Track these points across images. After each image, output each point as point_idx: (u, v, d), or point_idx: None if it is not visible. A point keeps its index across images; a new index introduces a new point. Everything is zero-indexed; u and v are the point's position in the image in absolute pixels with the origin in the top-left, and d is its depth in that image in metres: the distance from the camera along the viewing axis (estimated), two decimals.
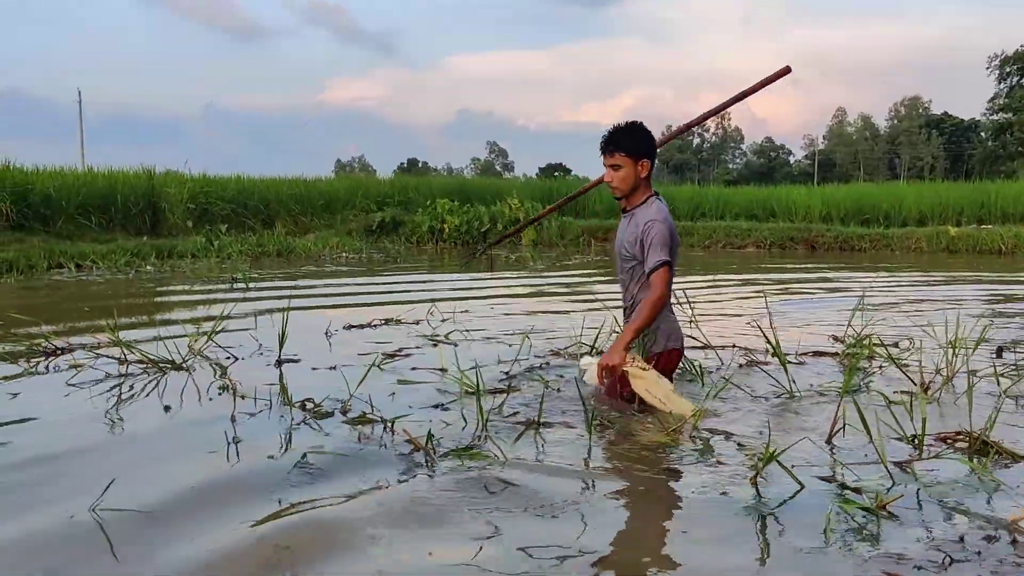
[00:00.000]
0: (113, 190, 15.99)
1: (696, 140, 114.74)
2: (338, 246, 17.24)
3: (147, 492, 3.10)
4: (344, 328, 6.89)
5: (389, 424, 3.87)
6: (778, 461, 3.08)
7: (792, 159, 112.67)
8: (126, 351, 5.43)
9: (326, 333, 6.58)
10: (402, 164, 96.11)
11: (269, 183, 21.15)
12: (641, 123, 4.39)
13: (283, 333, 5.68)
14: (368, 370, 4.65)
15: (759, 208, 22.73)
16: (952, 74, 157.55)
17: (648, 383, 4.09)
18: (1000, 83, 70.86)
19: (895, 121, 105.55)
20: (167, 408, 4.39)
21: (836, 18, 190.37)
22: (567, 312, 8.03)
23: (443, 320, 7.36)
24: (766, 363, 5.44)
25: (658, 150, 4.61)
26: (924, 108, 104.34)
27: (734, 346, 6.03)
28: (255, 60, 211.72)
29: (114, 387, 4.86)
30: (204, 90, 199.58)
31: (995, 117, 73.31)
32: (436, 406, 4.36)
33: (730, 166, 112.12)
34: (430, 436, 3.57)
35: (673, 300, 4.62)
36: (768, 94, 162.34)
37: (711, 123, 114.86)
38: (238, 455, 3.60)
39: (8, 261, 11.66)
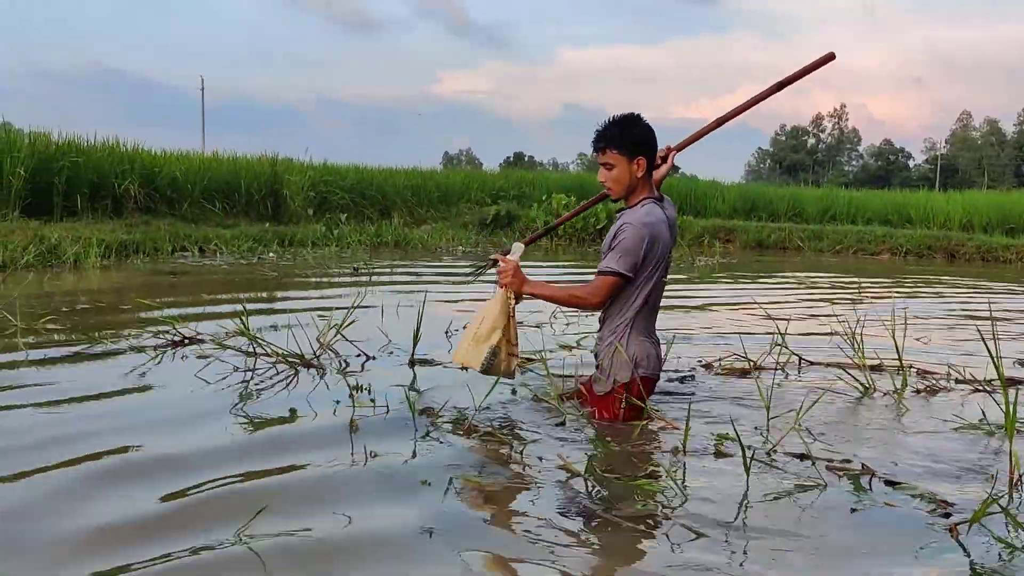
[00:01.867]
0: (237, 176, 16.11)
1: (811, 141, 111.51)
2: (453, 239, 17.01)
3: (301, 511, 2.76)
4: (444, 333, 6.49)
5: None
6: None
7: (912, 163, 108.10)
8: (255, 344, 5.18)
9: (446, 333, 6.18)
10: (508, 158, 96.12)
11: (386, 173, 21.10)
12: (638, 115, 3.93)
13: (417, 332, 5.35)
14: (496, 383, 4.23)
15: (894, 213, 21.55)
16: None
17: (488, 314, 4.01)
18: None
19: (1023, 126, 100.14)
20: (292, 412, 4.07)
21: (963, 16, 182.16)
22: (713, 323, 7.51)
23: (567, 324, 6.92)
24: (948, 389, 4.87)
25: (686, 147, 4.21)
26: None
27: (910, 367, 5.35)
28: (368, 52, 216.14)
29: (242, 383, 4.61)
30: (318, 81, 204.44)
31: None
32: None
33: (846, 168, 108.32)
34: (591, 464, 3.13)
35: (661, 322, 4.15)
36: (888, 95, 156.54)
37: (828, 123, 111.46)
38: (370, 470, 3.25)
39: (135, 243, 11.76)
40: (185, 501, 2.89)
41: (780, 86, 4.29)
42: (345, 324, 5.57)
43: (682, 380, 5.03)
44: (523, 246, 4.26)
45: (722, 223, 20.00)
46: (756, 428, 3.84)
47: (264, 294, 8.72)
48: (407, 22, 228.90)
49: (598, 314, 4.13)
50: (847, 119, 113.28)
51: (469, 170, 27.62)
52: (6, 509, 2.79)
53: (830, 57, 4.25)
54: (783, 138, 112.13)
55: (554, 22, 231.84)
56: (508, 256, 4.12)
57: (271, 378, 4.79)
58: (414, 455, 3.42)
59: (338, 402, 4.20)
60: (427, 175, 22.15)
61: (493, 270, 4.26)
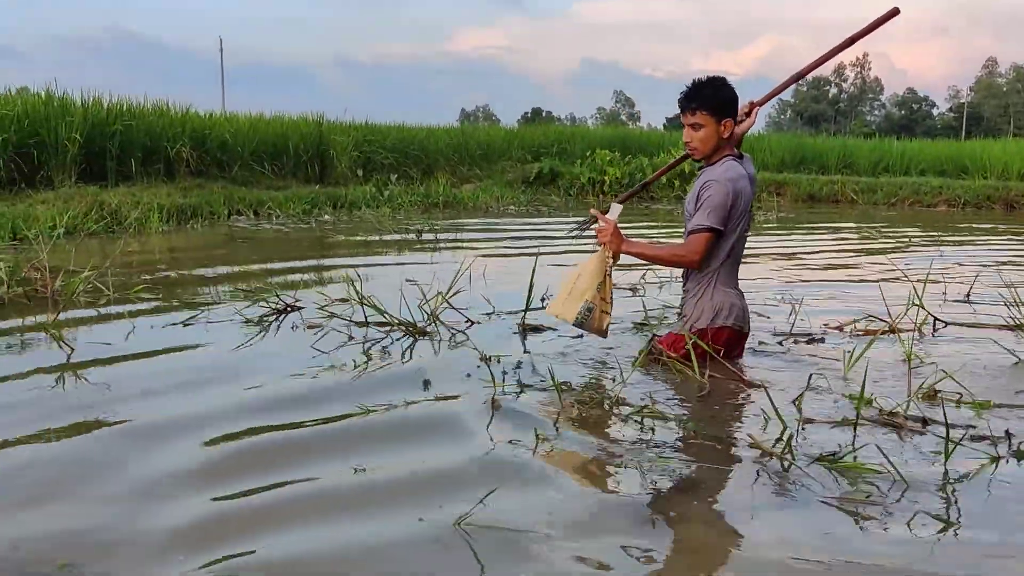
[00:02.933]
0: (285, 137, 15.87)
1: (833, 90, 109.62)
2: (501, 198, 16.74)
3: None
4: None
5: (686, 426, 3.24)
6: None
7: (936, 111, 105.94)
8: (368, 311, 4.98)
9: (542, 299, 5.74)
10: (526, 114, 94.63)
11: (427, 132, 20.78)
12: (724, 79, 3.96)
13: (530, 294, 5.13)
14: (642, 354, 3.99)
15: (949, 164, 21.03)
16: None
17: (585, 271, 4.11)
18: None
19: None
20: (426, 384, 3.86)
21: None
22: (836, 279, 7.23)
23: (659, 288, 6.62)
24: None
25: (762, 105, 4.17)
26: None
27: None
28: (382, 10, 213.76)
29: (364, 356, 4.40)
30: (333, 40, 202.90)
31: None
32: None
33: (868, 118, 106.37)
34: (789, 443, 2.89)
35: (739, 272, 4.15)
36: (911, 43, 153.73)
37: (850, 73, 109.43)
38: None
39: (192, 207, 11.58)
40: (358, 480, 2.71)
41: (852, 41, 4.24)
42: (451, 292, 5.37)
43: (809, 342, 4.82)
44: (620, 206, 4.22)
45: (772, 176, 19.58)
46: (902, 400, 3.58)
47: (337, 258, 8.52)
48: None
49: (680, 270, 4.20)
50: (870, 68, 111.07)
51: (508, 127, 27.15)
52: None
53: (895, 12, 4.20)
54: (804, 89, 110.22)
55: None
56: (607, 216, 4.12)
57: (389, 348, 4.59)
58: (572, 436, 3.20)
59: (468, 375, 3.96)
60: (468, 132, 21.83)
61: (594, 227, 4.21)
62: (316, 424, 3.31)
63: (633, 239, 4.15)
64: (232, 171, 14.43)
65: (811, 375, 3.73)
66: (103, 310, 5.42)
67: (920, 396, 3.52)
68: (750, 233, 4.17)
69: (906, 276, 5.97)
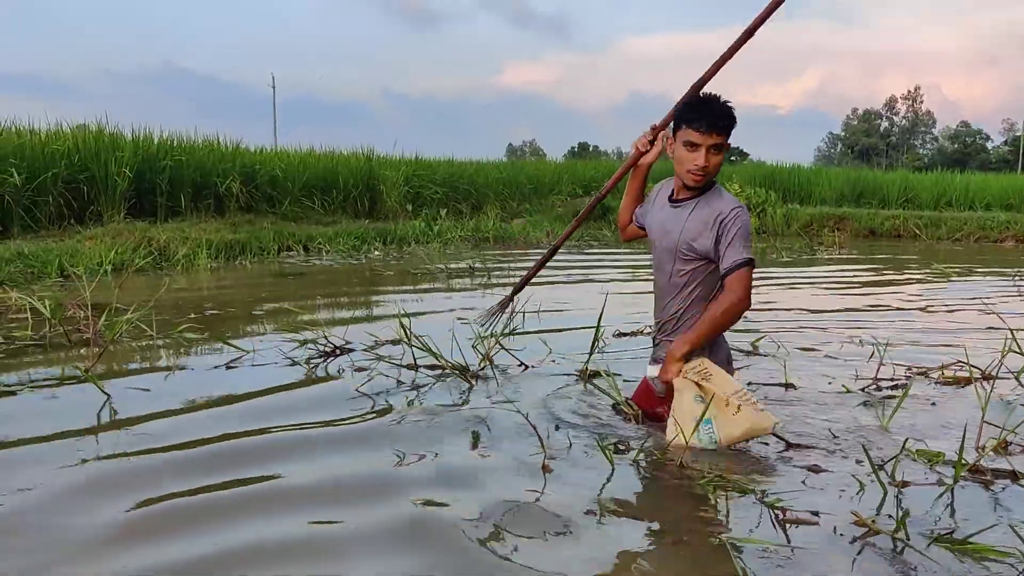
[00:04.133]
0: (335, 172, 15.79)
1: (884, 124, 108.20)
2: (551, 233, 16.46)
3: None
4: (614, 336, 5.91)
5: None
6: None
7: (990, 144, 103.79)
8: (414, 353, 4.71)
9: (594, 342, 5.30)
10: (573, 148, 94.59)
11: (476, 166, 20.68)
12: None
13: (596, 339, 4.83)
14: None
15: (1015, 197, 20.31)
16: None
17: (716, 387, 3.25)
18: None
19: None
20: (476, 437, 3.56)
21: None
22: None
23: None
24: None
25: (665, 128, 3.71)
26: None
27: None
28: (431, 45, 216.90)
29: (409, 405, 4.11)
30: (382, 74, 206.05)
31: None
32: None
33: (920, 151, 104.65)
34: (903, 521, 2.52)
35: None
36: (962, 74, 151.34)
37: (901, 106, 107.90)
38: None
39: (241, 243, 11.48)
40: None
41: (747, 35, 3.73)
42: (505, 334, 5.08)
43: (893, 389, 4.44)
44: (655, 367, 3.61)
45: (831, 211, 19.08)
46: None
47: (386, 296, 8.27)
48: (469, 14, 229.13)
49: (674, 300, 3.62)
50: (921, 101, 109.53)
51: (557, 161, 27.01)
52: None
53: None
54: (855, 122, 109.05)
55: (616, 10, 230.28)
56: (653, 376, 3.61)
57: (438, 394, 4.29)
58: (630, 510, 2.87)
59: (519, 432, 3.63)
60: (518, 167, 21.68)
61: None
62: (352, 477, 3.02)
63: (679, 341, 3.44)
64: (282, 206, 14.34)
65: (906, 439, 3.34)
66: (145, 352, 5.22)
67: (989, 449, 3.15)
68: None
69: (1002, 319, 5.53)
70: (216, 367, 4.83)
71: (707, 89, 3.59)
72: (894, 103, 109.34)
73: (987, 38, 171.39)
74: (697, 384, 3.30)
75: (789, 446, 3.43)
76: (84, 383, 4.34)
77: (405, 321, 5.01)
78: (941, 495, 2.91)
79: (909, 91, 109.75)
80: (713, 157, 3.43)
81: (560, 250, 4.74)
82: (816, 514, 2.70)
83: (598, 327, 4.91)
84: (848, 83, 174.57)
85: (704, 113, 3.41)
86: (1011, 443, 3.39)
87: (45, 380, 4.52)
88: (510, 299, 4.72)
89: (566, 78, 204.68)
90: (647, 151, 3.76)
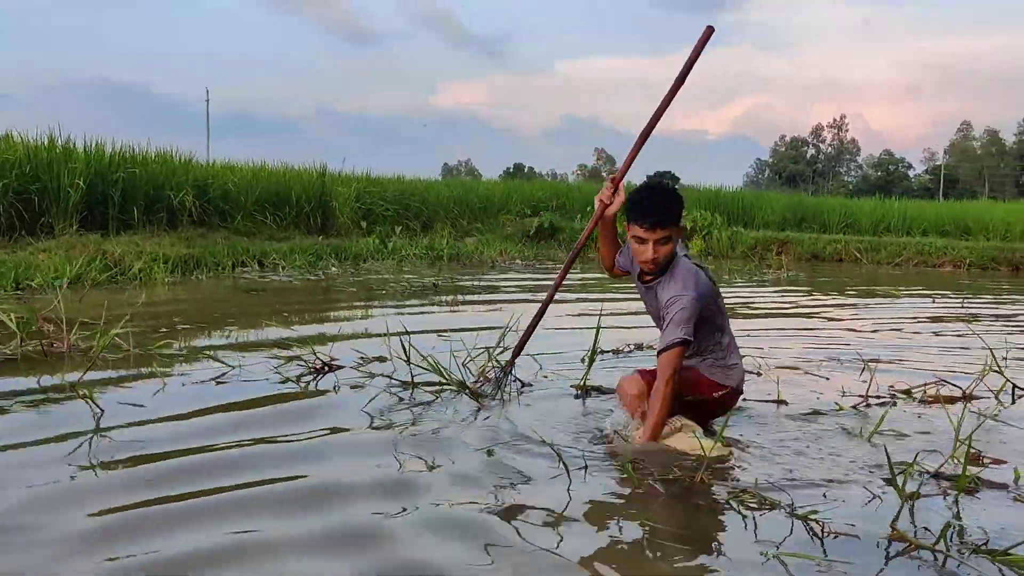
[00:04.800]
0: (287, 187, 15.60)
1: (811, 151, 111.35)
2: (504, 251, 16.52)
3: None
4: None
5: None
6: None
7: (912, 173, 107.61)
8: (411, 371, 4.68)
9: (581, 360, 5.39)
10: (508, 169, 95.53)
11: (426, 185, 20.68)
12: (666, 183, 3.90)
13: (593, 353, 4.87)
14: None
15: (951, 224, 21.02)
16: None
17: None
18: None
19: None
20: (489, 454, 3.55)
21: (960, 27, 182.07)
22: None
23: None
24: None
25: (623, 177, 3.98)
26: None
27: None
28: (367, 64, 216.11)
29: (417, 420, 4.08)
30: (318, 92, 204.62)
31: None
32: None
33: (845, 178, 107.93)
34: (944, 533, 2.59)
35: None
36: (886, 105, 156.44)
37: (827, 134, 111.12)
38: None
39: (196, 257, 11.26)
40: None
41: (682, 78, 4.01)
42: (498, 351, 5.08)
43: (881, 407, 4.54)
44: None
45: (774, 235, 19.48)
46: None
47: (360, 313, 8.20)
48: (406, 33, 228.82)
49: None
50: (847, 129, 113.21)
51: (511, 181, 27.16)
52: None
53: (709, 31, 3.98)
54: (783, 149, 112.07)
55: (551, 33, 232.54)
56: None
57: (444, 411, 4.26)
58: (661, 530, 2.89)
59: (533, 447, 3.62)
60: (469, 186, 21.73)
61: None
62: (393, 503, 2.98)
63: (638, 441, 3.61)
64: (235, 221, 14.12)
65: (917, 453, 3.43)
66: (127, 367, 5.07)
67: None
68: None
69: (983, 341, 5.70)
70: (203, 382, 4.73)
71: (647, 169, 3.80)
72: (820, 131, 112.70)
73: (910, 70, 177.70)
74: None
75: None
76: (71, 399, 4.22)
77: (396, 339, 4.99)
78: (953, 505, 3.00)
79: (835, 119, 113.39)
80: (661, 248, 3.61)
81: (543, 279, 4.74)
82: (852, 526, 2.75)
83: (595, 343, 4.95)
84: (777, 111, 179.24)
85: (647, 212, 3.59)
86: (982, 455, 3.54)
87: (31, 393, 4.37)
88: (511, 363, 4.72)
89: (501, 99, 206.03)
90: (611, 203, 3.91)
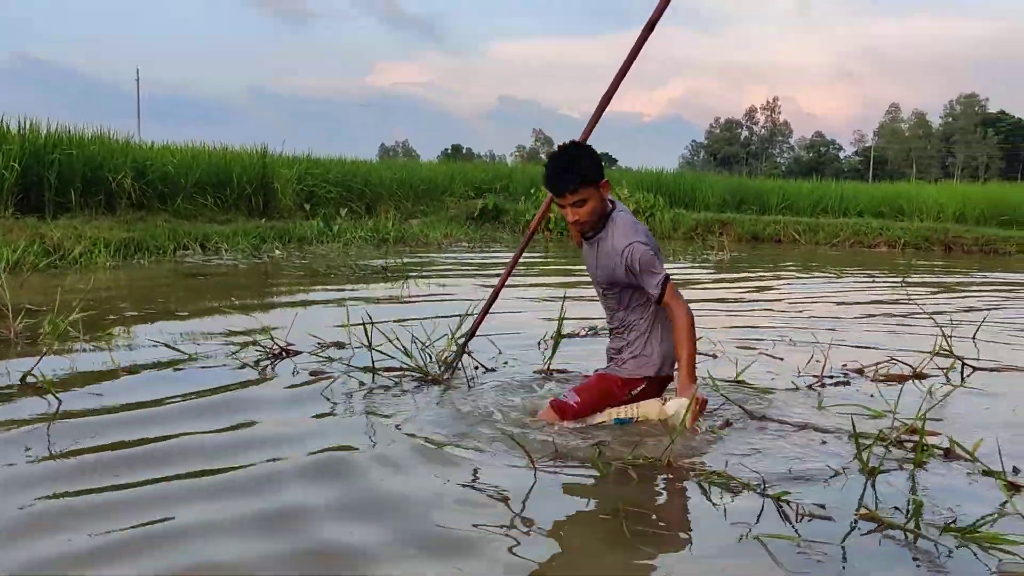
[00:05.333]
0: (228, 169, 15.25)
1: (745, 133, 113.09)
2: (450, 234, 16.46)
3: None
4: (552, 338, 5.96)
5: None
6: None
7: (843, 155, 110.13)
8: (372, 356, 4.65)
9: (539, 344, 5.56)
10: (446, 150, 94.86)
11: (371, 167, 20.47)
12: (576, 141, 3.78)
13: (557, 340, 4.89)
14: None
15: (886, 205, 21.51)
16: (1011, 72, 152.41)
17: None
18: None
19: (950, 119, 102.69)
20: (438, 444, 3.55)
21: (892, 12, 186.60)
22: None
23: None
24: None
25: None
26: (980, 106, 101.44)
27: None
28: (301, 44, 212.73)
29: (375, 406, 4.07)
30: (252, 72, 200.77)
31: None
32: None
33: (778, 160, 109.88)
34: (917, 513, 2.67)
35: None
36: (818, 89, 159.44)
37: (760, 116, 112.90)
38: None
39: (136, 241, 11.01)
40: None
41: (641, 41, 4.16)
42: (456, 337, 5.08)
43: (836, 386, 4.67)
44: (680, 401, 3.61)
45: (715, 216, 19.72)
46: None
47: (311, 296, 8.10)
48: (342, 13, 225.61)
49: (614, 319, 3.90)
50: (779, 112, 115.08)
51: (454, 163, 27.07)
52: None
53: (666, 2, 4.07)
54: (717, 131, 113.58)
55: (488, 15, 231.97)
56: (680, 407, 3.56)
57: (413, 400, 4.25)
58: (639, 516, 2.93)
59: (497, 434, 3.62)
60: (412, 168, 21.56)
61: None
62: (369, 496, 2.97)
63: (683, 380, 3.59)
64: (175, 204, 13.79)
65: (881, 429, 3.53)
66: (79, 354, 4.96)
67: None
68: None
69: (933, 320, 5.86)
70: (160, 371, 4.64)
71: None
72: (754, 113, 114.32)
73: (841, 53, 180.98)
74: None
75: (753, 417, 3.71)
76: (23, 387, 4.12)
77: (353, 321, 4.96)
78: (911, 480, 3.10)
79: (768, 102, 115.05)
80: (580, 209, 3.61)
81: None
82: (823, 507, 2.82)
83: (560, 327, 4.97)
84: (711, 93, 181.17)
85: (550, 181, 3.64)
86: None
87: None
88: (463, 348, 4.73)
89: (438, 80, 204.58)
90: None
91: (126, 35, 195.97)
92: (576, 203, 3.59)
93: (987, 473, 3.15)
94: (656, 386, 3.83)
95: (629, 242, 3.60)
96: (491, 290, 4.68)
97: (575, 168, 3.58)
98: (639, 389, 3.79)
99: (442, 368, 4.70)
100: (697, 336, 3.65)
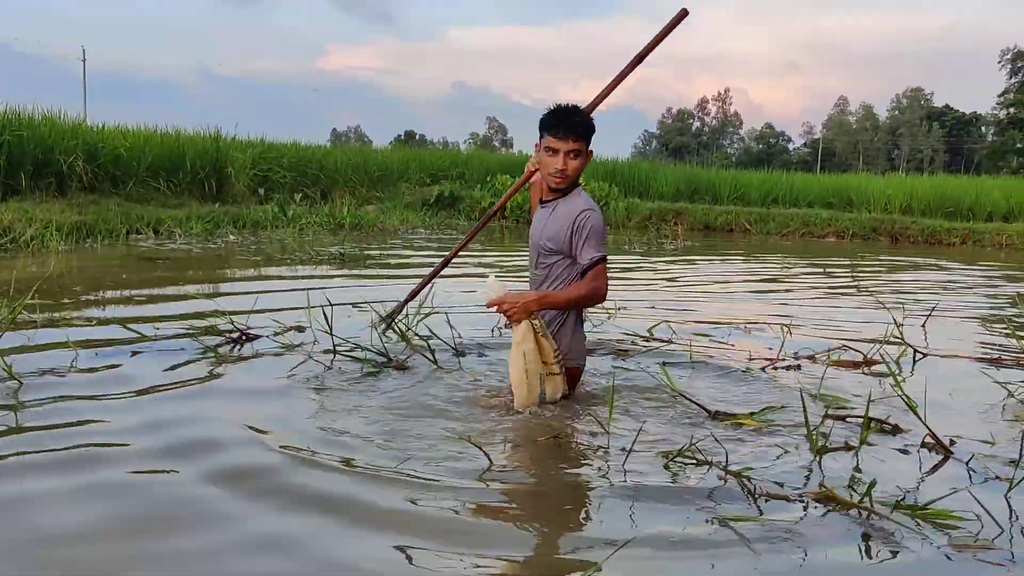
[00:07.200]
0: (181, 153, 15.07)
1: (696, 124, 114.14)
2: (406, 220, 16.43)
3: None
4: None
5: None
6: None
7: (791, 146, 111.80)
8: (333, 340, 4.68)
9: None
10: (399, 136, 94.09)
11: (324, 151, 20.34)
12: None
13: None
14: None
15: (835, 196, 21.87)
16: (955, 66, 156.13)
17: (530, 350, 3.63)
18: (1011, 78, 71.74)
19: (896, 112, 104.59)
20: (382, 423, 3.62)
21: (840, 5, 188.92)
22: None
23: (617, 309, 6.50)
24: None
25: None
26: (926, 100, 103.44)
27: None
28: (253, 26, 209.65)
29: (345, 391, 4.10)
30: (199, 53, 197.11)
31: (1004, 112, 72.63)
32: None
33: (729, 151, 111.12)
34: (870, 490, 2.78)
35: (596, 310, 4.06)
36: (768, 80, 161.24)
37: (712, 107, 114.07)
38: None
39: (88, 224, 10.84)
40: None
41: (640, 58, 4.19)
42: (419, 319, 5.15)
43: (787, 370, 4.80)
44: (497, 279, 3.79)
45: (669, 206, 19.91)
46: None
47: (268, 283, 8.07)
48: None
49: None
50: (730, 103, 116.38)
51: (409, 149, 26.89)
52: None
53: (683, 14, 4.16)
54: (669, 121, 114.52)
55: (442, 0, 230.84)
56: (494, 285, 3.73)
57: (367, 384, 4.28)
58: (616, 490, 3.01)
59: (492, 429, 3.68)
60: (368, 153, 21.44)
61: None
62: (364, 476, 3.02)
63: (537, 293, 3.75)
64: (127, 187, 13.61)
65: (827, 408, 3.66)
66: (34, 338, 4.90)
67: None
68: None
69: (882, 304, 6.03)
70: (120, 355, 4.61)
71: (568, 101, 3.82)
72: (705, 104, 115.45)
73: (790, 45, 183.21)
74: (535, 338, 3.63)
75: (712, 415, 3.71)
76: None
77: (316, 310, 4.98)
78: (855, 459, 3.23)
79: (719, 93, 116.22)
80: (571, 161, 3.72)
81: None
82: (781, 485, 2.92)
83: None
84: (662, 84, 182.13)
85: (562, 120, 3.70)
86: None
87: None
88: (402, 307, 4.83)
89: (391, 66, 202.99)
90: (536, 169, 4.03)
91: (67, 11, 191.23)
92: (572, 153, 3.68)
93: (926, 446, 3.31)
94: (570, 381, 3.87)
95: (589, 207, 3.70)
96: (441, 259, 4.76)
97: (584, 122, 3.71)
98: (579, 376, 3.90)
99: (380, 326, 4.82)
100: (599, 307, 3.72)
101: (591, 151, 3.78)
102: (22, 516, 2.60)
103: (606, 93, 4.19)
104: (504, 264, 10.35)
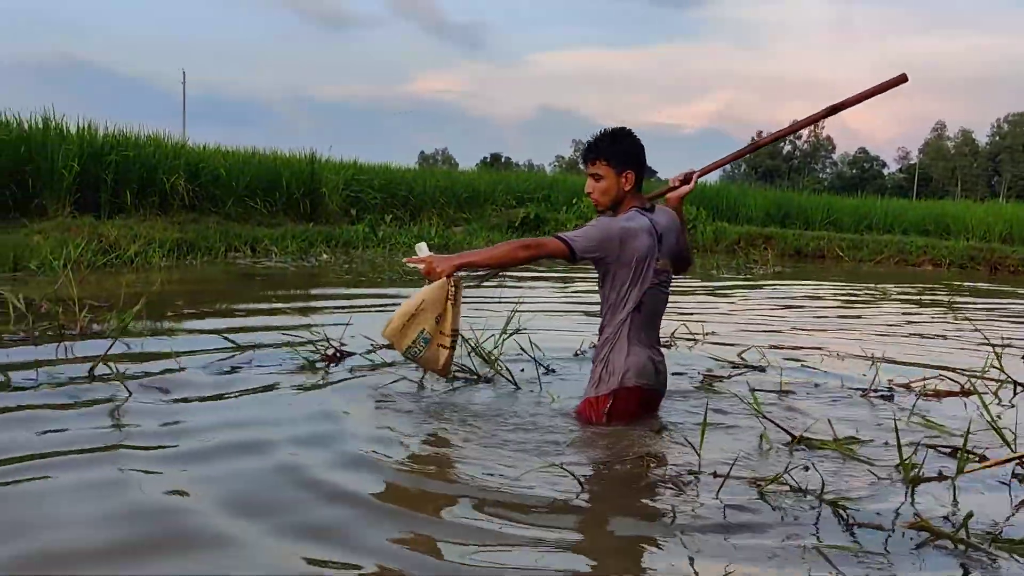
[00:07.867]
0: (278, 173, 15.58)
1: (787, 147, 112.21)
2: (493, 241, 16.58)
3: None
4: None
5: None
6: None
7: (886, 171, 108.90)
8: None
9: (575, 353, 5.61)
10: (485, 158, 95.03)
11: (414, 173, 20.70)
12: (629, 130, 3.87)
13: None
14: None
15: (931, 223, 21.31)
16: None
17: (427, 296, 3.69)
18: None
19: (997, 138, 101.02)
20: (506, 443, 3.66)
21: (937, 27, 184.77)
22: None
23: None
24: None
25: (704, 174, 4.16)
26: None
27: None
28: (343, 50, 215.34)
29: (436, 406, 4.19)
30: (292, 77, 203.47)
31: None
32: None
33: (820, 175, 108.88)
34: (966, 523, 2.72)
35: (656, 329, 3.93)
36: (863, 105, 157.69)
37: (804, 131, 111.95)
38: None
39: (189, 241, 11.28)
40: None
41: (837, 108, 4.11)
42: (505, 337, 5.22)
43: (881, 399, 4.70)
44: (424, 244, 3.89)
45: (758, 230, 19.66)
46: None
47: (364, 301, 8.26)
48: (383, 20, 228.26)
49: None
50: (823, 127, 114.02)
51: (496, 172, 27.24)
52: None
53: (902, 79, 4.06)
54: None
55: (529, 24, 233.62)
56: (421, 249, 3.82)
57: (463, 398, 4.36)
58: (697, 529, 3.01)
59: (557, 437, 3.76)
60: (456, 176, 21.74)
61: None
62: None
63: (457, 254, 3.80)
64: (226, 206, 14.10)
65: (920, 439, 3.59)
66: (139, 349, 5.13)
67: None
68: (669, 289, 3.93)
69: (986, 339, 5.86)
70: (220, 362, 4.80)
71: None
72: None
73: (885, 70, 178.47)
74: (448, 299, 3.72)
75: (797, 440, 3.67)
76: (91, 380, 4.28)
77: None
78: (950, 491, 3.14)
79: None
80: (596, 184, 3.78)
81: None
82: (877, 515, 2.88)
83: None
84: (752, 106, 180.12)
85: (586, 146, 3.84)
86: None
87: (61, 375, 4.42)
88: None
89: (477, 89, 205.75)
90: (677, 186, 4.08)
91: (168, 37, 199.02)
92: (594, 176, 3.78)
93: (1016, 476, 3.24)
94: (629, 401, 3.81)
95: (606, 218, 3.75)
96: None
97: (601, 145, 3.78)
98: (607, 408, 3.80)
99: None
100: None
101: (629, 173, 3.74)
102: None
103: (787, 133, 4.26)
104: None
